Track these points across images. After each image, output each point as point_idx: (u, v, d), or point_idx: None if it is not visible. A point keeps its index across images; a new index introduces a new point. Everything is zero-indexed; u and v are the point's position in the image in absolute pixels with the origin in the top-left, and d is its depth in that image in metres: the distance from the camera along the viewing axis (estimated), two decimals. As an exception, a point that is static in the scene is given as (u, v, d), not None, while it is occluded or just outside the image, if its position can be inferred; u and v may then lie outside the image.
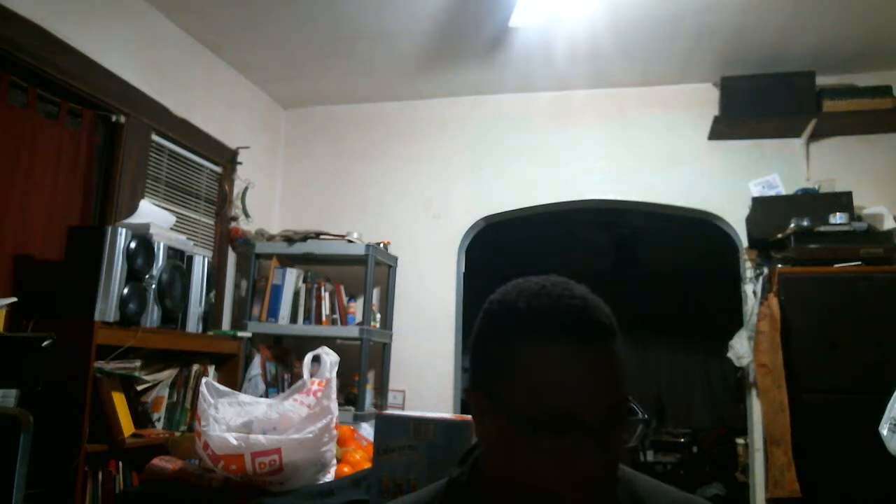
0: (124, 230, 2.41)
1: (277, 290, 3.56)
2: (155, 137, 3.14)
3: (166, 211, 2.94)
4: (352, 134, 4.17)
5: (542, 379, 0.70)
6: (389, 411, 3.56)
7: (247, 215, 3.79)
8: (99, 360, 2.31)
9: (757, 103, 3.40)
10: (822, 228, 3.05)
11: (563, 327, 0.72)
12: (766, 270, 3.22)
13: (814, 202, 3.20)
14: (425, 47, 3.40)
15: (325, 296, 3.58)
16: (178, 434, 2.59)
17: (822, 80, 3.39)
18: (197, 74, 3.45)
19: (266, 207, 4.05)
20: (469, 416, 1.28)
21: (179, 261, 2.73)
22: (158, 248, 2.59)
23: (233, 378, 3.07)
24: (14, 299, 2.25)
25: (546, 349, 0.71)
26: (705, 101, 3.61)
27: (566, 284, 0.77)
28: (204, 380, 1.92)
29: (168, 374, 2.72)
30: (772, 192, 3.43)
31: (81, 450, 2.16)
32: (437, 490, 0.86)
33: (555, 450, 0.69)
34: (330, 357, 1.98)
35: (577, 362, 0.70)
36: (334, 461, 1.90)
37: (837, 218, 3.06)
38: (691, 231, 4.45)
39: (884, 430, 2.26)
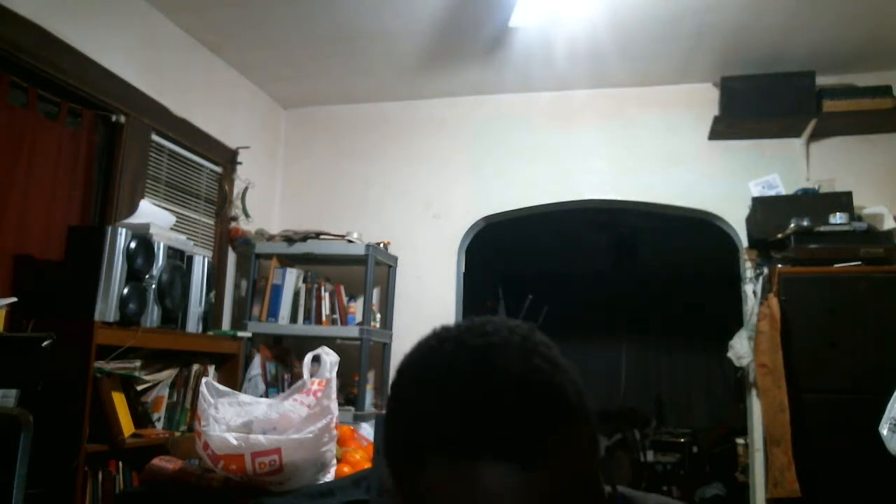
0: (124, 230, 2.41)
1: (277, 290, 3.56)
2: (155, 137, 3.14)
3: (166, 211, 2.94)
4: (352, 134, 4.17)
5: None
6: (389, 411, 3.55)
7: (247, 215, 3.79)
8: (99, 360, 2.31)
9: (757, 103, 3.40)
10: (822, 228, 3.05)
11: (476, 441, 0.51)
12: (766, 270, 3.22)
13: (814, 202, 3.20)
14: (425, 47, 3.40)
15: (325, 296, 3.58)
16: (178, 434, 2.59)
17: (822, 80, 3.39)
18: (197, 74, 3.45)
19: (266, 207, 4.05)
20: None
21: (179, 261, 2.73)
22: (158, 248, 2.59)
23: (233, 378, 3.07)
24: (14, 299, 2.25)
25: (453, 477, 0.52)
26: (705, 101, 3.61)
27: (492, 357, 0.54)
28: (204, 380, 1.92)
29: (168, 374, 2.72)
30: (772, 192, 3.43)
31: (81, 450, 2.16)
32: None
33: None
34: (330, 357, 1.98)
35: (507, 492, 0.50)
36: (334, 461, 1.90)
37: (837, 218, 3.06)
38: (691, 231, 4.44)
39: (884, 430, 2.26)
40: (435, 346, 0.59)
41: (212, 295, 2.97)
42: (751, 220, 3.40)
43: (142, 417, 2.50)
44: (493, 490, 0.50)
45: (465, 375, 0.54)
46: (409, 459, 0.55)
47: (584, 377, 0.62)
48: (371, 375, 3.69)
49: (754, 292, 3.30)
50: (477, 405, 0.52)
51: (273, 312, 3.55)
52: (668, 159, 3.67)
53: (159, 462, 1.88)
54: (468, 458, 0.51)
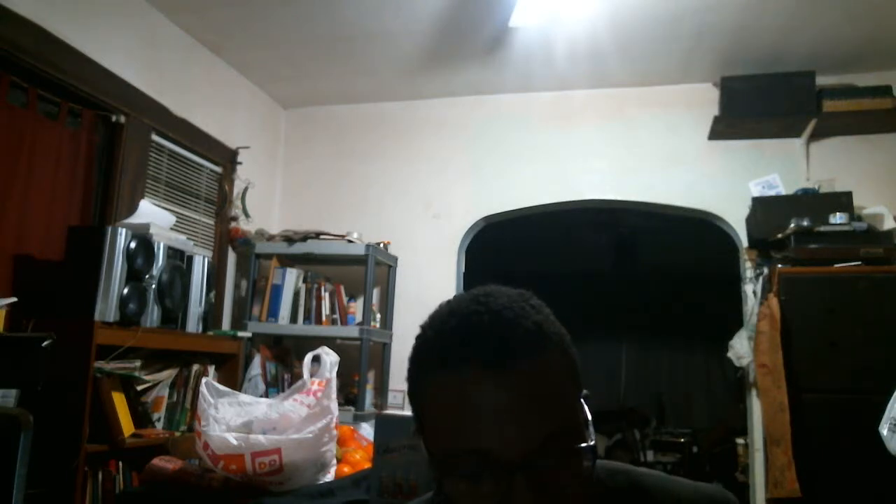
0: (124, 230, 2.41)
1: (277, 290, 3.56)
2: (155, 137, 3.14)
3: (166, 211, 2.94)
4: (352, 134, 4.17)
5: (447, 415, 0.63)
6: (389, 411, 3.56)
7: (247, 215, 3.79)
8: (99, 360, 2.31)
9: (757, 103, 3.40)
10: (822, 228, 3.05)
11: (462, 352, 0.63)
12: (766, 270, 3.22)
13: (814, 202, 3.20)
14: (425, 47, 3.40)
15: (325, 296, 3.58)
16: (178, 434, 2.59)
17: (822, 80, 3.38)
18: (197, 74, 3.45)
19: (266, 207, 4.05)
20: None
21: (179, 261, 2.73)
22: (158, 248, 2.59)
23: (233, 378, 3.07)
24: (14, 299, 2.25)
25: (446, 381, 0.63)
26: (705, 101, 3.61)
27: (484, 299, 0.67)
28: (204, 380, 1.92)
29: (168, 374, 2.72)
30: (772, 192, 3.43)
31: (81, 450, 2.16)
32: (428, 501, 0.80)
33: (485, 495, 0.60)
34: (330, 357, 1.98)
35: (481, 392, 0.61)
36: (334, 461, 1.90)
37: (837, 218, 3.06)
38: (691, 231, 4.44)
39: (884, 430, 2.25)
40: (449, 301, 0.72)
41: (212, 295, 2.97)
42: (751, 220, 3.40)
43: (142, 417, 2.50)
44: (474, 387, 0.61)
45: (471, 305, 0.67)
46: (417, 371, 0.69)
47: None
48: (371, 375, 3.69)
49: (754, 292, 3.30)
50: (470, 324, 0.65)
51: (273, 312, 3.55)
52: (668, 159, 3.67)
53: (159, 462, 1.88)
54: (457, 366, 0.63)
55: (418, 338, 0.70)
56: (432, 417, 0.65)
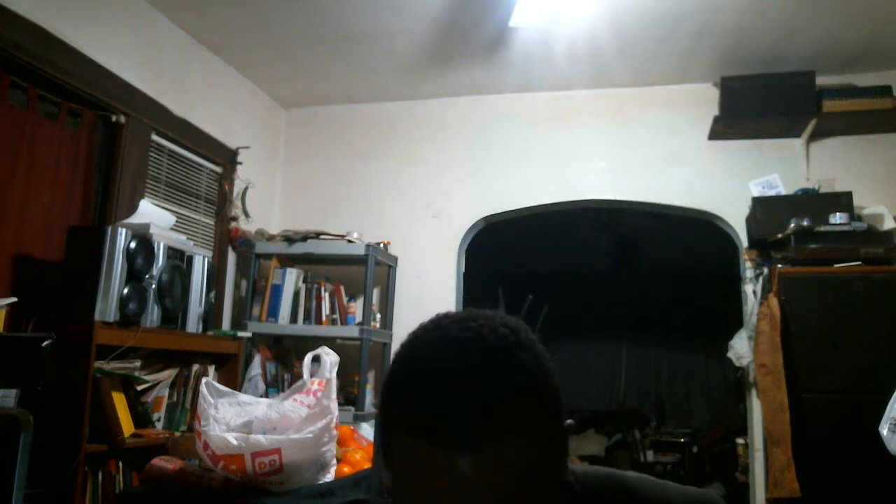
0: (124, 230, 2.41)
1: (277, 290, 3.56)
2: (155, 137, 3.14)
3: (166, 211, 2.94)
4: (352, 134, 4.17)
5: (412, 483, 0.59)
6: (389, 411, 3.55)
7: (247, 215, 3.79)
8: (99, 360, 2.31)
9: (757, 103, 3.40)
10: (822, 228, 3.05)
11: (432, 426, 0.57)
12: (766, 270, 3.22)
13: (814, 202, 3.20)
14: (425, 47, 3.40)
15: (325, 296, 3.58)
16: (178, 434, 2.59)
17: (822, 80, 3.38)
18: (197, 74, 3.44)
19: (266, 207, 4.05)
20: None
21: (179, 261, 2.73)
22: (158, 248, 2.59)
23: (233, 378, 3.07)
24: (14, 299, 2.25)
25: (413, 446, 0.58)
26: (705, 101, 3.61)
27: (470, 348, 0.59)
28: (204, 380, 1.92)
29: (168, 374, 2.72)
30: (772, 192, 3.43)
31: (81, 450, 2.16)
32: None
33: None
34: (330, 357, 1.98)
35: (448, 475, 0.55)
36: (334, 461, 1.90)
37: (837, 218, 3.06)
38: (691, 231, 4.44)
39: (884, 430, 2.26)
40: (427, 328, 0.65)
41: (212, 295, 2.97)
42: (751, 220, 3.40)
43: (142, 417, 2.50)
44: (441, 467, 0.55)
45: (434, 362, 0.60)
46: (383, 423, 0.62)
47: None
48: (371, 375, 3.69)
49: (754, 292, 3.30)
50: (435, 388, 0.58)
51: (273, 312, 3.54)
52: (668, 159, 3.67)
53: (159, 462, 1.88)
54: (422, 437, 0.57)
55: (392, 368, 0.64)
56: (399, 475, 0.61)
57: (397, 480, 0.61)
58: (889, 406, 2.28)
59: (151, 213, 2.76)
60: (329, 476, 1.86)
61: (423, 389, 0.59)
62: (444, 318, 0.66)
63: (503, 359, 0.59)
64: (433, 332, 0.64)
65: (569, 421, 0.65)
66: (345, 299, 3.62)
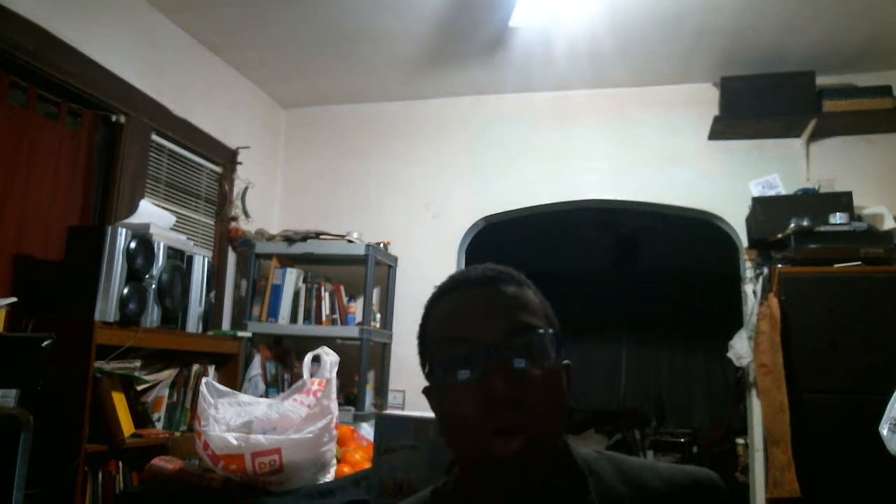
0: (124, 230, 2.41)
1: (277, 290, 3.56)
2: (155, 137, 3.14)
3: (166, 211, 2.94)
4: (352, 134, 4.17)
5: (444, 319, 0.80)
6: (389, 411, 3.56)
7: (247, 215, 3.79)
8: (99, 360, 2.31)
9: (757, 103, 3.40)
10: (822, 228, 3.05)
11: (459, 283, 0.82)
12: (766, 270, 3.22)
13: (814, 202, 3.20)
14: (425, 47, 3.40)
15: (325, 296, 3.58)
16: (178, 434, 2.59)
17: (822, 80, 3.38)
18: (197, 74, 3.45)
19: (266, 207, 4.05)
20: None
21: (179, 261, 2.73)
22: (158, 248, 2.59)
23: (233, 378, 3.07)
24: (14, 299, 2.25)
25: (444, 300, 0.82)
26: (705, 101, 3.61)
27: (487, 265, 0.84)
28: (204, 380, 1.92)
29: (168, 374, 2.72)
30: (772, 192, 3.43)
31: (81, 450, 2.16)
32: (422, 499, 0.86)
33: (469, 383, 0.73)
34: (330, 357, 1.98)
35: (468, 299, 0.79)
36: (334, 461, 1.90)
37: (837, 218, 3.06)
38: (691, 231, 4.44)
39: (884, 430, 2.26)
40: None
41: (212, 295, 2.97)
42: (751, 220, 3.40)
43: (142, 417, 2.50)
44: (463, 298, 0.81)
45: (476, 268, 0.84)
46: (426, 309, 0.85)
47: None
48: (371, 375, 3.69)
49: (754, 292, 3.30)
50: (470, 271, 0.84)
51: (273, 312, 3.55)
52: (668, 159, 3.67)
53: (159, 462, 1.88)
54: (456, 289, 0.82)
55: (434, 290, 0.86)
56: (433, 328, 0.82)
57: (432, 330, 0.82)
58: (889, 406, 2.28)
59: (151, 213, 2.76)
60: (329, 476, 1.86)
61: (455, 276, 0.85)
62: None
63: (508, 272, 0.82)
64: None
65: (566, 361, 0.79)
66: (345, 299, 3.62)
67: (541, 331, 0.77)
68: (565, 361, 0.79)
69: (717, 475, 0.83)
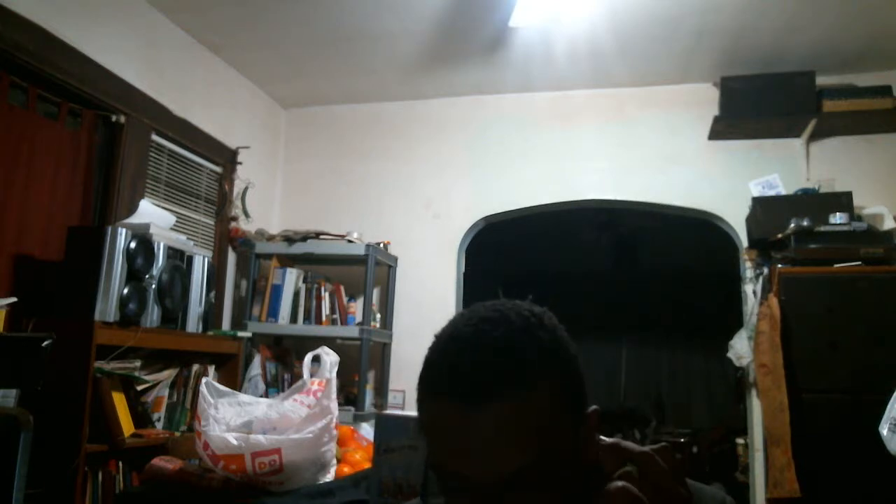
0: (124, 230, 2.41)
1: (277, 290, 3.56)
2: (155, 137, 3.14)
3: (166, 211, 2.95)
4: (352, 134, 4.17)
5: (436, 437, 0.67)
6: (389, 411, 3.56)
7: (247, 215, 3.79)
8: (99, 360, 2.31)
9: (757, 103, 3.40)
10: (822, 228, 3.05)
11: (446, 386, 0.66)
12: (766, 270, 3.22)
13: (814, 202, 3.20)
14: (425, 47, 3.40)
15: (325, 296, 3.58)
16: (178, 434, 2.59)
17: (822, 80, 3.38)
18: (197, 74, 3.45)
19: (266, 207, 4.05)
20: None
21: (179, 261, 2.73)
22: (158, 248, 2.59)
23: (233, 378, 3.07)
24: (14, 299, 2.26)
25: (433, 407, 0.67)
26: (705, 101, 3.61)
27: (488, 326, 0.67)
28: (204, 380, 1.92)
29: (168, 374, 2.72)
30: (772, 192, 3.43)
31: (81, 450, 2.16)
32: None
33: None
34: (330, 357, 1.98)
35: (460, 426, 0.64)
36: (334, 461, 1.90)
37: (837, 218, 3.06)
38: (691, 231, 4.44)
39: (884, 430, 2.25)
40: (462, 312, 0.73)
41: (212, 295, 2.97)
42: (751, 220, 3.40)
43: (142, 417, 2.50)
44: (454, 420, 0.65)
45: (458, 335, 0.68)
46: (419, 387, 0.70)
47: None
48: (371, 375, 3.69)
49: (754, 292, 3.30)
50: (464, 357, 0.66)
51: (273, 312, 3.55)
52: (668, 159, 3.67)
53: (159, 462, 1.88)
54: (443, 397, 0.66)
55: (428, 351, 0.72)
56: (427, 435, 0.69)
57: (427, 437, 0.69)
58: (889, 406, 2.28)
59: (151, 213, 2.76)
60: (329, 476, 1.86)
61: (445, 356, 0.68)
62: (478, 304, 0.73)
63: (521, 333, 0.66)
64: (465, 314, 0.72)
65: (593, 407, 0.69)
66: (345, 299, 3.62)
67: (562, 461, 0.65)
68: (592, 407, 0.69)
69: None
